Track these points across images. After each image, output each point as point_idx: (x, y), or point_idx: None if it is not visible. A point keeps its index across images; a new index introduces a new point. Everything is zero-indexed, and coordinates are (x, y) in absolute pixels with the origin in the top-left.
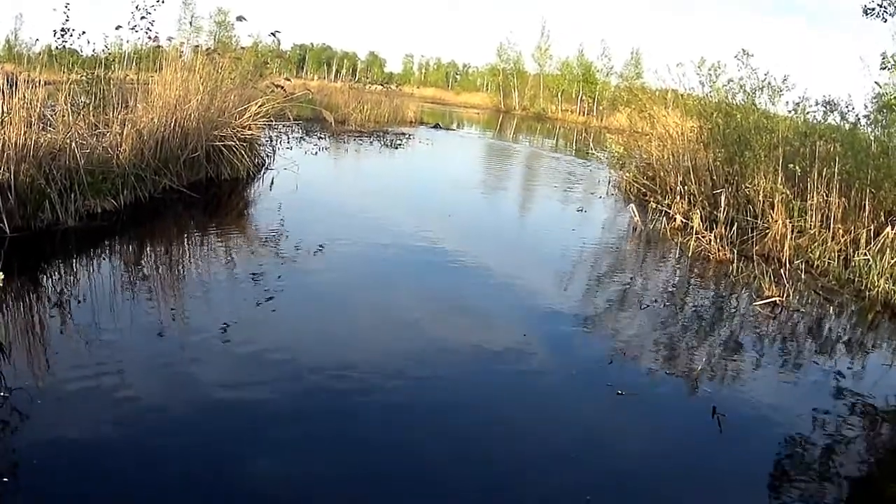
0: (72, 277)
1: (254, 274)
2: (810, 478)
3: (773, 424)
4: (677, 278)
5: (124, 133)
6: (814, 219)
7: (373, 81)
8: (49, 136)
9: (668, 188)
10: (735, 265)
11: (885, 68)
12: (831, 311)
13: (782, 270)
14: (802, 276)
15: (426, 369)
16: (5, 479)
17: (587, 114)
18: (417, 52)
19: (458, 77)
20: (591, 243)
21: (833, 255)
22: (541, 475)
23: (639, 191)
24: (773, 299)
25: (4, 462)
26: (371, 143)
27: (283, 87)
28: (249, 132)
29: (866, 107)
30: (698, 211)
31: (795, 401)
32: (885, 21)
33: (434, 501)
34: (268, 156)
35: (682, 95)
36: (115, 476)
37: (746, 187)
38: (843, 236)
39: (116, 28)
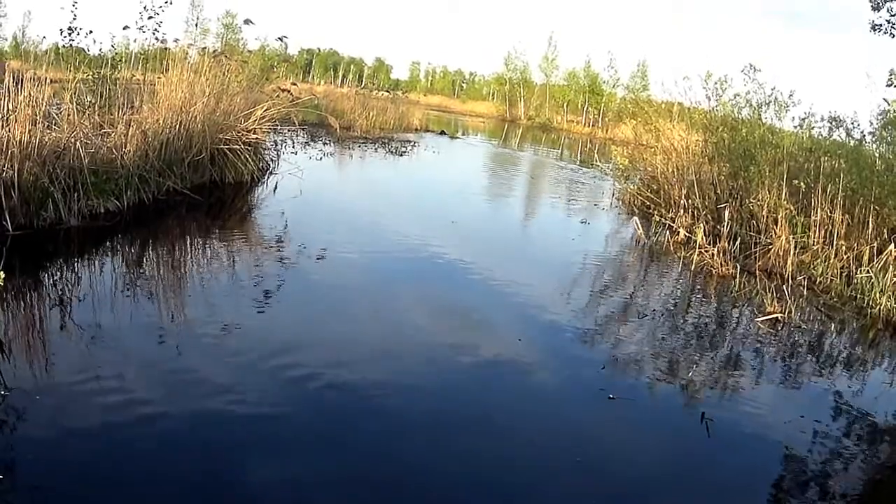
0: (73, 277)
1: (256, 278)
2: (805, 493)
3: (770, 439)
4: (679, 292)
5: (129, 134)
6: (817, 235)
7: (379, 88)
8: (54, 134)
9: (672, 201)
10: (737, 280)
11: (891, 85)
12: (833, 327)
13: (784, 286)
14: (805, 293)
15: (425, 376)
16: (1, 477)
17: (592, 125)
18: (424, 59)
19: (464, 85)
20: (593, 255)
21: (836, 271)
22: (535, 479)
23: (643, 203)
24: (774, 315)
25: (2, 460)
26: (376, 149)
27: (289, 92)
28: (254, 136)
29: (871, 123)
30: (702, 225)
31: (794, 416)
32: (893, 37)
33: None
34: (272, 160)
35: (687, 109)
36: (113, 475)
37: (750, 202)
38: (845, 253)
39: (124, 28)
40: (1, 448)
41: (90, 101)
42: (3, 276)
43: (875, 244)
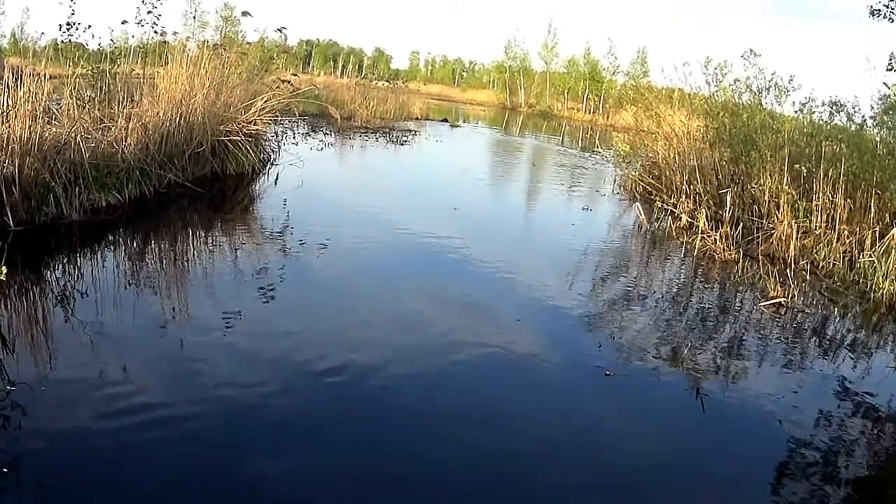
0: (75, 271)
1: (258, 269)
2: (809, 477)
3: (774, 423)
4: (682, 277)
5: (129, 127)
6: (819, 219)
7: (379, 78)
8: (54, 129)
9: (674, 187)
10: (740, 265)
11: (891, 69)
12: (836, 312)
13: (787, 271)
14: (807, 277)
15: (427, 361)
16: (5, 470)
17: (593, 112)
18: (424, 48)
19: (464, 74)
20: (595, 241)
21: (838, 256)
22: (540, 459)
23: (644, 189)
24: (777, 300)
25: (6, 455)
26: (377, 139)
27: (290, 83)
28: (255, 127)
29: (872, 108)
30: (704, 210)
31: (797, 400)
32: (893, 22)
33: (432, 491)
34: (273, 151)
35: (688, 94)
36: (117, 470)
37: (752, 187)
38: (848, 237)
39: (122, 22)
40: (6, 443)
41: (90, 96)
42: (5, 271)
43: (877, 228)
